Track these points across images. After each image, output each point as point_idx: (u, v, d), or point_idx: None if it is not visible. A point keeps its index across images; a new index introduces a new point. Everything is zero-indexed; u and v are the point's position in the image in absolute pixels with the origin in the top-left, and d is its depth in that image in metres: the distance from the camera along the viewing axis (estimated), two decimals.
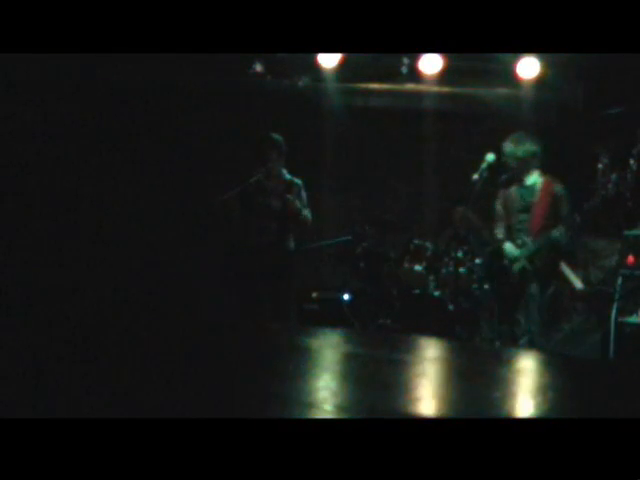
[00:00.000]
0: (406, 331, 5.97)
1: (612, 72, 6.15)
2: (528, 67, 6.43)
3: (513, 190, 5.33)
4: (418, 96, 7.09)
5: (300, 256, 5.93)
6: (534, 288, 5.21)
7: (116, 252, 6.58)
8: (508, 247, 5.29)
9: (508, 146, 5.26)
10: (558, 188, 5.19)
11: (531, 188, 5.26)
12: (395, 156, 7.43)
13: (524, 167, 5.23)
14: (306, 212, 5.76)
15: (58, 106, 6.43)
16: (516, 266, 5.24)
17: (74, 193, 6.62)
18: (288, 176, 5.75)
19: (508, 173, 5.36)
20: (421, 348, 3.70)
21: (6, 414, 1.74)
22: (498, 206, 5.42)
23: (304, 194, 5.79)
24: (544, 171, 5.35)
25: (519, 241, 5.22)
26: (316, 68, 6.77)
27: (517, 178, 5.29)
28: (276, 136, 5.72)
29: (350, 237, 6.33)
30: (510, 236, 5.30)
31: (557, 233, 5.01)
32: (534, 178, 5.27)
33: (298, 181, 5.78)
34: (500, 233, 5.40)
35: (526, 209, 5.25)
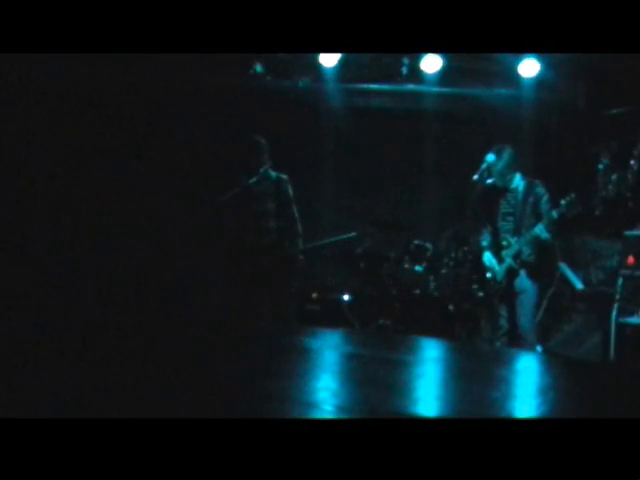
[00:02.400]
0: (406, 331, 5.97)
1: (612, 72, 6.15)
2: (528, 67, 6.43)
3: (498, 195, 5.39)
4: (418, 96, 7.09)
5: (297, 258, 5.92)
6: (524, 282, 5.25)
7: (115, 254, 6.58)
8: (487, 257, 5.39)
9: (492, 163, 5.30)
10: (539, 189, 5.28)
11: (515, 191, 5.34)
12: (395, 156, 7.43)
13: (507, 176, 5.30)
14: (294, 207, 5.76)
15: (57, 106, 6.43)
16: (502, 267, 5.29)
17: (71, 195, 6.62)
18: (274, 174, 5.76)
19: (492, 178, 5.41)
20: (421, 348, 3.70)
21: (6, 414, 1.74)
22: (482, 212, 5.48)
23: (290, 188, 5.79)
24: (525, 173, 5.42)
25: (504, 242, 5.30)
26: (316, 68, 6.77)
27: (502, 185, 5.37)
28: (260, 138, 5.74)
29: (354, 233, 6.31)
30: (495, 239, 5.37)
31: (538, 229, 5.11)
32: (516, 181, 5.35)
33: (284, 176, 5.79)
34: (484, 240, 5.47)
35: (511, 212, 5.34)
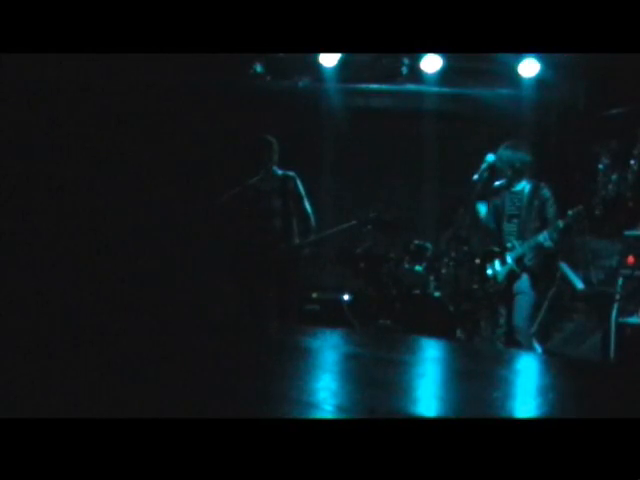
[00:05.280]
0: (406, 331, 5.97)
1: (612, 72, 6.15)
2: (528, 67, 6.43)
3: (503, 196, 5.38)
4: (418, 96, 7.10)
5: (302, 256, 5.92)
6: (524, 283, 5.25)
7: (117, 253, 6.58)
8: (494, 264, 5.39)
9: (505, 152, 5.27)
10: (545, 192, 5.25)
11: (520, 193, 5.32)
12: (395, 156, 7.43)
13: (517, 175, 5.27)
14: (306, 203, 5.76)
15: (58, 106, 6.43)
16: (504, 269, 5.29)
17: (74, 194, 6.62)
18: (280, 172, 5.75)
19: (500, 179, 5.38)
20: (421, 348, 3.69)
21: (6, 414, 1.74)
22: (488, 214, 5.47)
23: (300, 184, 5.78)
24: (532, 176, 5.40)
25: (509, 245, 5.29)
26: (316, 68, 6.77)
27: (508, 184, 5.34)
28: (270, 137, 5.73)
29: (355, 222, 6.31)
30: (500, 241, 5.36)
31: (542, 237, 5.09)
32: (523, 183, 5.32)
33: (291, 173, 5.77)
34: (487, 241, 5.46)
35: (515, 214, 5.32)
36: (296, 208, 5.73)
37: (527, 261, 5.24)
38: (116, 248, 6.59)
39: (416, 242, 6.31)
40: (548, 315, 5.92)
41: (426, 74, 6.69)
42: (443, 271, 6.17)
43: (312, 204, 5.85)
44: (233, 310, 5.86)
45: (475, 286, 5.80)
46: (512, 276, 5.28)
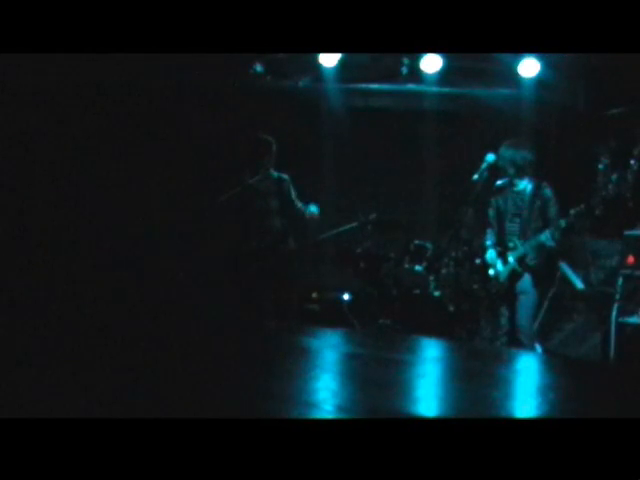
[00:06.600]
0: (406, 331, 5.97)
1: (612, 72, 6.15)
2: (528, 67, 6.43)
3: (506, 196, 5.37)
4: (418, 96, 7.09)
5: (301, 256, 5.93)
6: (526, 283, 5.25)
7: (116, 253, 6.58)
8: (491, 255, 5.38)
9: (507, 151, 5.27)
10: (547, 192, 5.25)
11: (522, 193, 5.32)
12: (395, 156, 7.43)
13: (519, 173, 5.27)
14: (299, 205, 5.78)
15: (57, 106, 6.43)
16: (505, 268, 5.29)
17: (72, 194, 6.62)
18: (275, 174, 5.76)
19: (502, 179, 5.38)
20: (421, 348, 3.70)
21: (6, 414, 1.74)
22: (491, 212, 5.47)
23: (293, 189, 5.80)
24: (534, 175, 5.38)
25: (511, 244, 5.28)
26: (316, 68, 6.77)
27: (511, 184, 5.33)
28: (268, 137, 5.74)
29: (356, 224, 6.32)
30: (502, 240, 5.35)
31: (544, 237, 5.09)
32: (525, 183, 5.31)
33: (286, 176, 5.79)
34: (489, 239, 5.46)
35: (518, 213, 5.32)
36: (289, 210, 5.75)
37: (529, 261, 5.23)
38: (115, 248, 6.59)
39: (416, 242, 6.31)
40: (548, 315, 5.92)
41: (426, 74, 6.68)
42: (443, 271, 6.17)
43: (305, 205, 5.85)
44: (234, 309, 5.86)
45: (475, 286, 5.81)
46: (514, 276, 5.28)
